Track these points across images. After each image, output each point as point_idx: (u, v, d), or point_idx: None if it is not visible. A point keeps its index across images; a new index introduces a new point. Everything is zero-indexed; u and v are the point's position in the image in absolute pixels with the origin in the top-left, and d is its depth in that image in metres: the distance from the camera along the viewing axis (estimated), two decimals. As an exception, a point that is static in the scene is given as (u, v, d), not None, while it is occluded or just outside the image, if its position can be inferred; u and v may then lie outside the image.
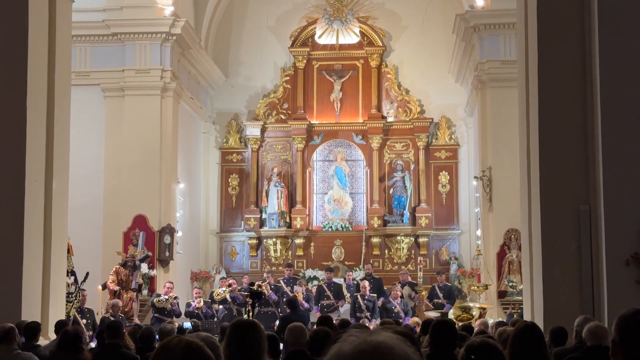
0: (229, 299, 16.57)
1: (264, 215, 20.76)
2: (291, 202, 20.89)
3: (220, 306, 16.48)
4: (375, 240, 20.56)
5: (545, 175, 9.70)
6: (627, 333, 2.87)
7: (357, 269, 19.64)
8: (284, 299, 15.63)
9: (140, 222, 17.38)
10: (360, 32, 21.14)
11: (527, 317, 10.21)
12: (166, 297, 15.58)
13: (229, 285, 16.75)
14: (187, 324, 13.10)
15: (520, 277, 14.67)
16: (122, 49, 17.97)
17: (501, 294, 16.71)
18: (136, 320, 15.06)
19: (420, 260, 19.47)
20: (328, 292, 16.80)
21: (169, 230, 17.68)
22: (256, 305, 12.46)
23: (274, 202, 20.61)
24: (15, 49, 10.06)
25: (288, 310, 13.46)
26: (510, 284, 16.53)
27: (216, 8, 21.45)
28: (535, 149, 9.93)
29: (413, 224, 20.42)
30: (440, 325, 5.50)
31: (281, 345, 6.24)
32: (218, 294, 16.70)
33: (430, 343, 5.47)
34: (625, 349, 2.86)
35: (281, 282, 17.43)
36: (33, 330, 8.21)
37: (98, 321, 13.73)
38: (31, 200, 10.07)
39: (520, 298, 14.14)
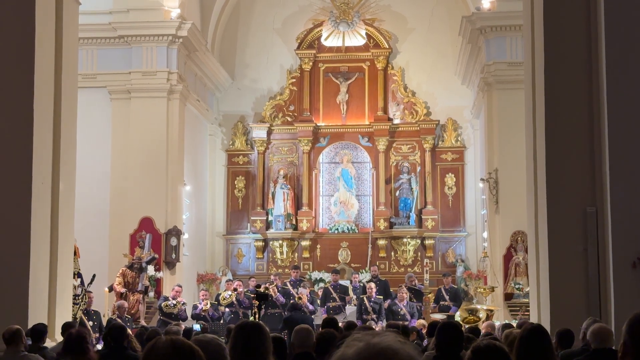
0: (235, 302, 16.57)
1: (270, 218, 20.76)
2: (297, 204, 20.89)
3: (227, 309, 16.48)
4: (381, 242, 20.54)
5: (552, 177, 9.68)
6: (639, 335, 2.87)
7: (363, 271, 19.61)
8: (291, 301, 15.67)
9: (146, 224, 17.40)
10: (367, 34, 21.14)
11: (533, 319, 10.19)
12: (174, 302, 15.57)
13: (235, 289, 16.74)
14: (197, 327, 13.09)
15: (527, 280, 14.64)
16: (128, 52, 18.01)
17: (507, 297, 16.68)
18: (143, 322, 15.08)
19: (427, 263, 19.48)
20: (334, 294, 16.79)
21: (176, 232, 17.69)
22: (262, 307, 12.47)
23: (280, 204, 20.62)
24: (22, 52, 10.09)
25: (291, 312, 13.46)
26: (517, 286, 16.51)
27: (222, 10, 21.48)
28: (541, 151, 9.92)
29: (419, 226, 20.40)
30: (447, 327, 5.49)
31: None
32: (224, 299, 16.69)
33: (437, 345, 5.46)
34: (637, 351, 2.85)
35: (287, 284, 17.42)
36: (40, 332, 8.22)
37: (104, 323, 13.73)
38: (38, 202, 10.09)
39: (527, 300, 14.11)
